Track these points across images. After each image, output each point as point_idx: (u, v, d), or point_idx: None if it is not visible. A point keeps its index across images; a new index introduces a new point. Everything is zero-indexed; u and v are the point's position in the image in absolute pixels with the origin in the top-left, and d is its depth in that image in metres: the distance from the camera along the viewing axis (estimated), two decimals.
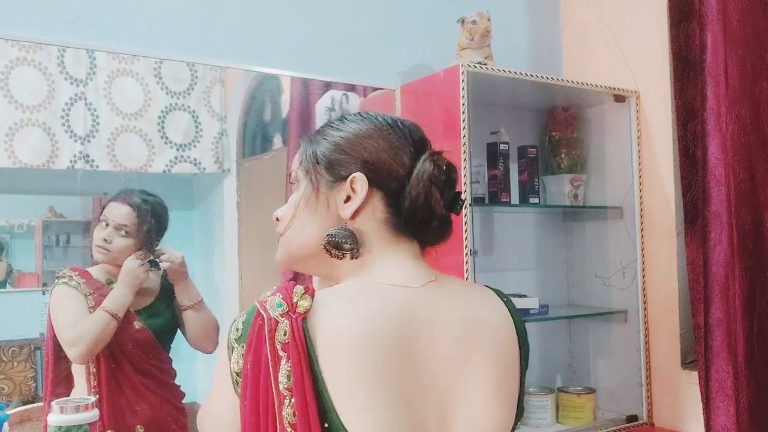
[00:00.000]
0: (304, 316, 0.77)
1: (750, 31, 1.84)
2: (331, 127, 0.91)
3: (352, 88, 2.03)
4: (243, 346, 0.77)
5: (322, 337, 0.76)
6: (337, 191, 0.86)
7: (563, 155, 2.30)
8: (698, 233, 1.91)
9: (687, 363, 2.06)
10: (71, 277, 1.71)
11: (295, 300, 0.78)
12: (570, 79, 2.14)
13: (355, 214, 0.85)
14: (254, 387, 0.75)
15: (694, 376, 1.95)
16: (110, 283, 1.75)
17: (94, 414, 1.29)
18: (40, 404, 1.76)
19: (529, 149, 2.17)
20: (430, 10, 2.17)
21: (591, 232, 2.32)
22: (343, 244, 0.84)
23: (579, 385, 2.16)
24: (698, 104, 1.90)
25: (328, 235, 0.85)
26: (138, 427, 1.73)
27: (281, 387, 0.74)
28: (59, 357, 1.69)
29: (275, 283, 2.45)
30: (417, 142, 0.89)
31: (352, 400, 0.74)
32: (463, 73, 1.82)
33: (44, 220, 1.90)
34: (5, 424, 1.44)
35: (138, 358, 1.76)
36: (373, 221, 0.85)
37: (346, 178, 0.85)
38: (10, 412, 1.57)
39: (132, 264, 1.71)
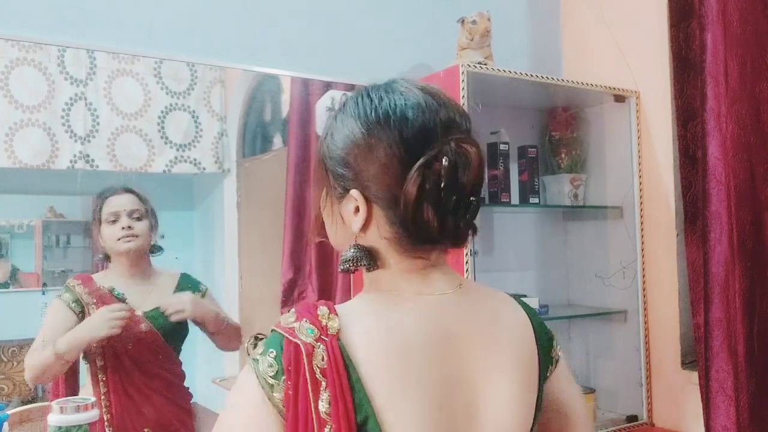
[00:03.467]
0: (338, 337, 0.74)
1: (750, 31, 1.84)
2: (338, 122, 0.84)
3: (352, 88, 2.03)
4: (284, 379, 0.74)
5: (359, 356, 0.74)
6: (345, 203, 0.82)
7: (563, 155, 2.30)
8: (698, 233, 1.91)
9: (687, 363, 2.06)
10: (70, 288, 1.72)
11: (324, 323, 0.75)
12: (570, 79, 2.14)
13: (365, 227, 0.80)
14: (294, 414, 0.73)
15: (694, 376, 1.95)
16: (113, 290, 1.75)
17: (94, 414, 1.29)
18: (40, 404, 1.76)
19: (529, 149, 2.17)
20: (430, 10, 2.17)
21: (591, 232, 2.32)
22: (355, 265, 0.81)
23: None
24: (698, 104, 1.90)
25: (341, 260, 0.82)
26: (145, 429, 1.72)
27: (321, 413, 0.72)
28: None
29: (275, 283, 2.46)
30: (411, 142, 0.77)
31: (397, 413, 0.74)
32: (463, 73, 1.82)
33: (44, 220, 1.90)
34: (5, 424, 1.44)
35: (145, 360, 1.76)
36: (380, 238, 0.80)
37: (348, 190, 0.81)
38: (10, 412, 1.57)
39: (102, 313, 1.67)
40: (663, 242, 2.12)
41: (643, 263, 2.15)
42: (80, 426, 1.27)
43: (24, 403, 1.76)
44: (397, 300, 0.80)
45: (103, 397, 1.68)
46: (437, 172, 0.75)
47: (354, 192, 0.79)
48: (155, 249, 1.82)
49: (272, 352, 0.75)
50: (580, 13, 2.42)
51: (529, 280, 2.32)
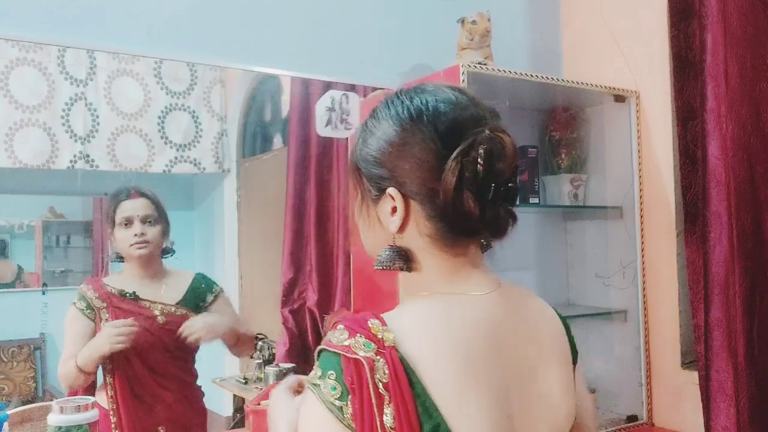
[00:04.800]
0: (395, 348, 0.73)
1: (750, 31, 1.84)
2: (368, 125, 0.85)
3: (352, 88, 2.03)
4: (350, 398, 0.72)
5: (420, 365, 0.73)
6: (382, 204, 0.82)
7: (563, 155, 2.30)
8: (698, 233, 1.91)
9: (687, 363, 2.06)
10: (82, 296, 1.74)
11: (379, 335, 0.73)
12: (570, 79, 2.14)
13: (403, 226, 0.81)
14: (361, 430, 0.72)
15: (694, 376, 1.95)
16: (122, 292, 1.75)
17: (94, 414, 1.30)
18: (40, 404, 1.76)
19: (529, 149, 2.17)
20: (430, 10, 2.17)
21: (591, 232, 2.32)
22: (391, 266, 0.81)
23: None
24: (698, 104, 1.90)
25: (376, 261, 0.83)
26: (159, 428, 1.73)
27: (387, 427, 0.71)
28: None
29: (275, 283, 2.45)
30: (445, 135, 0.78)
31: (465, 416, 0.73)
32: (463, 73, 1.82)
33: (44, 220, 1.90)
34: (5, 424, 1.44)
35: (159, 357, 1.76)
36: (419, 237, 0.81)
37: (384, 191, 0.81)
38: (10, 412, 1.57)
39: (106, 329, 1.67)
40: (663, 242, 2.12)
41: (643, 263, 2.15)
42: (80, 426, 1.27)
43: (24, 403, 1.77)
44: (448, 303, 0.79)
45: (111, 401, 1.69)
46: (474, 161, 0.76)
47: (391, 190, 0.80)
48: (167, 251, 1.83)
49: (331, 373, 0.73)
50: (580, 13, 2.42)
51: (529, 280, 2.32)
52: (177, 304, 1.78)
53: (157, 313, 1.75)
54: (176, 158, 1.94)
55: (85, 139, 1.80)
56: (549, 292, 2.31)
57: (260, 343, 2.19)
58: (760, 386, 1.78)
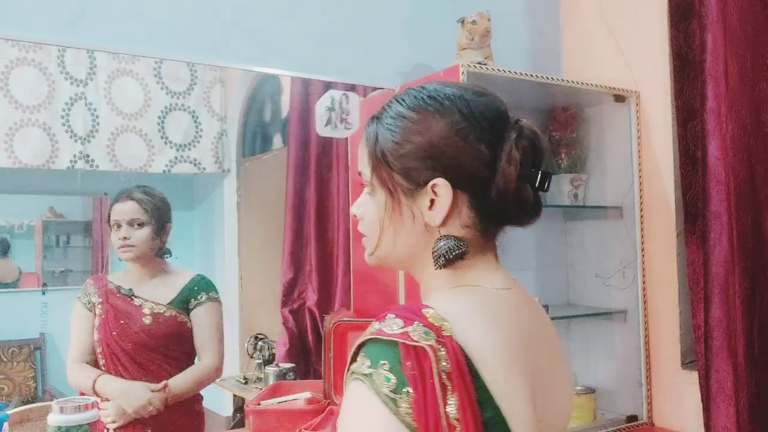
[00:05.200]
0: (453, 338, 0.71)
1: (750, 31, 1.84)
2: (397, 119, 0.83)
3: (352, 88, 2.03)
4: (406, 390, 0.68)
5: (477, 356, 0.72)
6: (420, 198, 0.81)
7: (563, 155, 2.29)
8: (698, 233, 1.91)
9: (687, 363, 2.06)
10: (85, 291, 1.80)
11: (437, 324, 0.71)
12: (570, 79, 2.14)
13: (446, 218, 0.80)
14: (425, 423, 0.67)
15: (694, 376, 1.95)
16: (120, 288, 1.76)
17: (94, 414, 1.30)
18: (40, 404, 1.76)
19: None
20: (430, 10, 2.18)
21: (591, 232, 2.32)
22: (453, 256, 0.80)
23: (579, 385, 2.16)
24: (698, 104, 1.90)
25: (435, 256, 0.81)
26: (148, 429, 1.73)
27: (451, 418, 0.68)
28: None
29: (275, 283, 2.44)
30: (493, 124, 0.81)
31: (513, 406, 0.73)
32: (463, 73, 1.82)
33: (44, 220, 1.90)
34: (5, 424, 1.44)
35: (150, 356, 1.77)
36: (460, 227, 0.81)
37: (425, 183, 0.80)
38: (10, 412, 1.57)
39: (145, 393, 1.70)
40: (663, 242, 2.12)
41: (643, 263, 2.15)
42: (80, 426, 1.27)
43: (24, 403, 1.77)
44: (487, 296, 0.81)
45: (100, 400, 1.69)
46: (526, 149, 0.80)
47: (438, 180, 0.79)
48: (163, 252, 1.84)
49: (384, 363, 0.69)
50: (580, 13, 2.42)
51: (529, 280, 2.32)
52: (168, 303, 1.80)
53: (146, 312, 1.77)
54: (176, 158, 1.94)
55: (85, 139, 1.80)
56: (549, 292, 2.31)
57: (260, 343, 2.19)
58: (760, 386, 1.78)
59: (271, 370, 2.08)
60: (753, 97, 1.83)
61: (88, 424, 1.28)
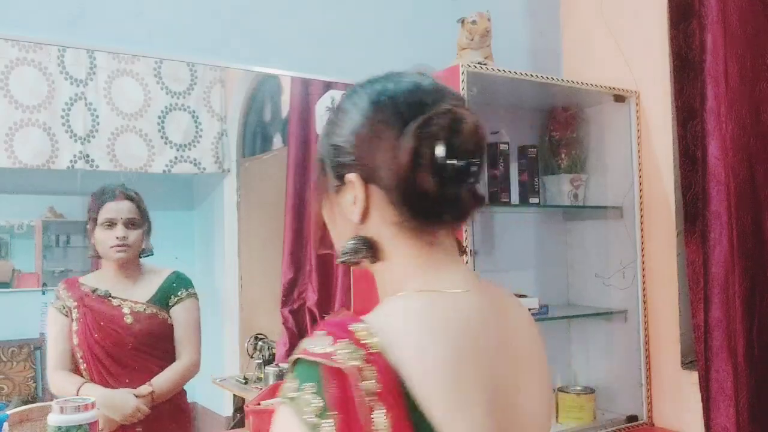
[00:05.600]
0: (384, 355, 0.65)
1: (750, 31, 1.84)
2: (332, 118, 0.81)
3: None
4: (334, 414, 0.63)
5: (411, 374, 0.66)
6: (342, 195, 0.78)
7: (563, 155, 2.30)
8: (698, 233, 1.91)
9: (687, 363, 2.06)
10: (57, 295, 1.76)
11: (365, 341, 0.66)
12: (570, 79, 2.14)
13: (366, 215, 0.76)
14: None
15: (694, 376, 1.95)
16: (95, 290, 1.76)
17: (94, 414, 1.30)
18: (40, 404, 1.76)
19: (529, 149, 2.17)
20: (430, 10, 2.18)
21: (591, 232, 2.32)
22: (354, 257, 0.77)
23: (579, 385, 2.16)
24: (698, 104, 1.90)
25: (339, 255, 0.78)
26: (137, 428, 1.73)
27: None
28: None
29: (275, 283, 2.44)
30: (406, 113, 0.73)
31: (454, 427, 0.67)
32: (463, 73, 1.82)
33: (44, 220, 1.90)
34: (5, 424, 1.44)
35: (132, 354, 1.77)
36: (385, 225, 0.76)
37: (342, 180, 0.77)
38: (10, 412, 1.57)
39: (130, 400, 1.70)
40: (663, 242, 2.12)
41: (643, 263, 2.15)
42: (80, 426, 1.27)
43: (24, 403, 1.76)
44: (429, 303, 0.74)
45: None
46: (431, 136, 0.71)
47: (350, 175, 0.75)
48: (145, 252, 1.84)
49: (311, 385, 0.64)
50: (580, 13, 2.42)
51: (529, 280, 2.32)
52: (147, 301, 1.79)
53: (126, 311, 1.77)
54: (176, 158, 1.93)
55: (85, 139, 1.80)
56: (549, 292, 2.31)
57: (260, 343, 2.19)
58: (760, 386, 1.78)
59: (271, 370, 2.08)
60: (753, 97, 1.83)
61: (88, 424, 1.28)
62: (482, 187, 0.79)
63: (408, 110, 0.74)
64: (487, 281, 0.83)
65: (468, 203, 0.75)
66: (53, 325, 1.75)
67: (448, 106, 0.73)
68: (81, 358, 1.72)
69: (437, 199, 0.72)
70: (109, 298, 1.76)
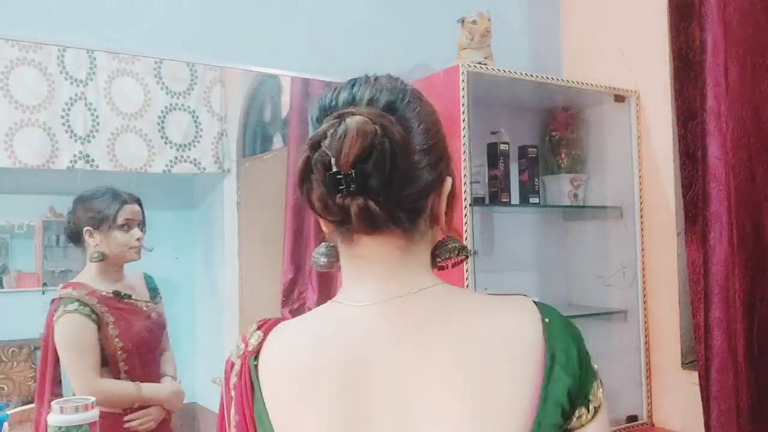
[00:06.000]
0: (255, 354, 0.74)
1: (750, 31, 1.84)
2: None
3: None
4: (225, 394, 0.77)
5: (265, 378, 0.72)
6: None
7: (563, 155, 2.30)
8: (698, 233, 1.91)
9: (687, 363, 2.06)
10: (81, 301, 1.71)
11: (248, 338, 0.76)
12: (570, 79, 2.14)
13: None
14: (220, 415, 0.77)
15: (694, 376, 1.95)
16: (118, 294, 1.76)
17: (94, 414, 1.29)
18: None
19: (529, 149, 2.17)
20: (430, 10, 2.17)
21: (591, 232, 2.32)
22: (319, 263, 0.78)
23: None
24: (698, 104, 1.90)
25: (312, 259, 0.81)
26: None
27: (232, 426, 0.74)
28: (57, 359, 1.72)
29: (275, 283, 2.45)
30: (318, 124, 0.73)
31: None
32: (463, 73, 1.82)
33: (44, 220, 1.90)
34: (5, 424, 1.44)
35: (154, 353, 1.82)
36: (331, 234, 0.76)
37: None
38: (10, 412, 1.57)
39: (176, 389, 1.79)
40: (663, 242, 2.12)
41: (643, 263, 2.15)
42: (80, 426, 1.27)
43: (24, 403, 1.76)
44: (325, 317, 0.75)
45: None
46: (312, 146, 0.70)
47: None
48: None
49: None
50: (580, 13, 2.42)
51: (529, 280, 2.32)
52: (151, 300, 1.84)
53: (145, 309, 1.80)
54: (176, 158, 1.93)
55: (85, 139, 1.80)
56: (549, 292, 2.31)
57: None
58: (760, 386, 1.78)
59: None
60: (753, 97, 1.83)
61: (88, 424, 1.28)
62: (409, 197, 0.71)
63: (322, 117, 0.75)
64: (451, 292, 0.75)
65: (370, 213, 0.68)
66: (82, 334, 1.70)
67: (343, 111, 0.70)
68: (123, 361, 1.73)
69: (331, 209, 0.69)
70: (130, 300, 1.79)
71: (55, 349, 1.70)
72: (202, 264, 2.08)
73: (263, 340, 0.75)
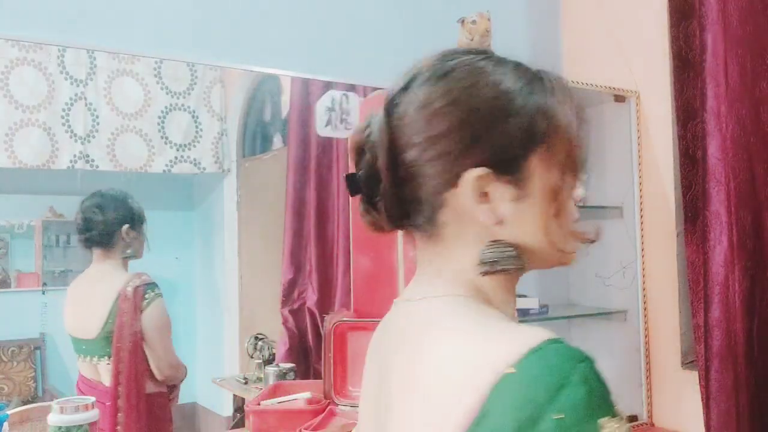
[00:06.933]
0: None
1: (750, 31, 1.84)
2: None
3: (352, 88, 2.03)
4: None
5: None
6: None
7: None
8: (698, 233, 1.91)
9: (687, 363, 2.06)
10: (154, 287, 1.79)
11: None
12: (570, 79, 2.14)
13: None
14: None
15: (694, 376, 1.95)
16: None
17: (94, 414, 1.30)
18: (40, 404, 1.76)
19: None
20: (430, 10, 2.18)
21: (591, 232, 2.32)
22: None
23: None
24: (698, 104, 1.90)
25: None
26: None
27: None
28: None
29: (275, 283, 2.44)
30: None
31: (361, 408, 0.77)
32: None
33: (44, 220, 1.90)
34: (5, 424, 1.44)
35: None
36: None
37: None
38: (10, 412, 1.57)
39: None
40: (663, 242, 2.12)
41: (643, 263, 2.15)
42: (80, 426, 1.27)
43: (24, 403, 1.77)
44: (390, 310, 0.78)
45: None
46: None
47: None
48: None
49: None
50: (580, 13, 2.42)
51: (529, 280, 2.31)
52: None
53: None
54: (176, 158, 1.93)
55: (85, 139, 1.80)
56: (549, 292, 2.31)
57: (260, 343, 2.19)
58: (760, 386, 1.78)
59: (271, 370, 2.08)
60: (753, 97, 1.83)
61: (88, 424, 1.28)
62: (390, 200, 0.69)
63: None
64: (443, 304, 0.67)
65: (367, 215, 0.70)
66: (167, 313, 1.79)
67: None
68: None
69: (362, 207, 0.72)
70: None
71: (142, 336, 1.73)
72: (202, 264, 2.08)
73: None
